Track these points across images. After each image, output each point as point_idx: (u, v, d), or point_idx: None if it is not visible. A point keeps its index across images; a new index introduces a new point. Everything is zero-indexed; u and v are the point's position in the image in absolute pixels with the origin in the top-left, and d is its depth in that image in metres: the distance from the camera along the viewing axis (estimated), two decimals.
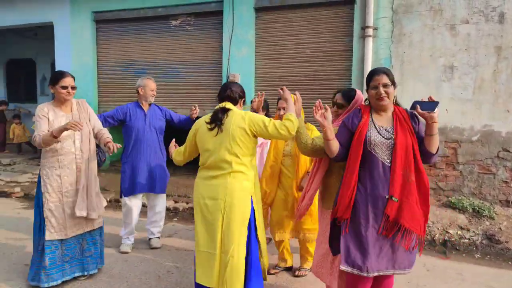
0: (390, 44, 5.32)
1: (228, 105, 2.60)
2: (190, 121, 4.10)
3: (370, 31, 5.31)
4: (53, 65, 8.50)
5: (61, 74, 3.17)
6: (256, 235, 2.57)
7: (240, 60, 6.14)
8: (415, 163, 2.20)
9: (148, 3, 6.69)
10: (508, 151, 4.96)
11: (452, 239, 4.34)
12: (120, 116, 4.03)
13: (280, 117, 3.35)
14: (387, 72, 2.28)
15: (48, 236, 3.11)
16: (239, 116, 2.51)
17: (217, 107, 2.62)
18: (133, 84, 6.74)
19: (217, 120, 2.51)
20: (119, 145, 3.25)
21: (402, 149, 2.19)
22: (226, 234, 2.46)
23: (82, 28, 7.26)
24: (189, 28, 6.60)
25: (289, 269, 3.60)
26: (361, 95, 2.74)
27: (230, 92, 2.62)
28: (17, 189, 6.69)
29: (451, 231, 4.45)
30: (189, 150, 2.77)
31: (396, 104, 2.38)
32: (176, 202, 5.81)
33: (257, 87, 6.18)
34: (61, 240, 3.19)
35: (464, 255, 4.18)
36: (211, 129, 2.53)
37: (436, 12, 5.12)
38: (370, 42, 5.33)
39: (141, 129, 4.00)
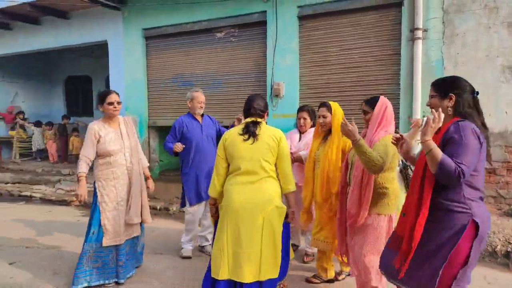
0: (442, 46, 5.09)
1: (257, 119, 2.85)
2: None
3: (419, 33, 5.12)
4: (107, 80, 9.03)
5: (107, 92, 3.47)
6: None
7: (284, 68, 6.16)
8: (421, 179, 2.11)
9: (193, 18, 6.93)
10: None
11: None
12: (178, 133, 4.16)
13: (320, 125, 3.44)
14: (433, 83, 2.25)
15: (105, 242, 3.34)
16: (271, 129, 2.83)
17: (246, 121, 2.85)
18: (181, 96, 7.03)
19: (251, 131, 2.76)
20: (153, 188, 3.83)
21: (418, 163, 2.17)
22: (268, 231, 2.67)
23: (133, 45, 7.66)
24: (233, 40, 6.74)
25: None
26: (384, 102, 2.83)
27: (254, 110, 2.85)
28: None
29: None
30: (224, 163, 2.86)
31: (460, 113, 2.16)
32: None
33: (302, 95, 6.16)
34: (116, 245, 3.42)
35: None
36: (246, 140, 2.75)
37: (491, 10, 4.83)
38: (419, 45, 5.13)
39: (200, 141, 4.13)
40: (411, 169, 3.52)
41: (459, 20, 4.99)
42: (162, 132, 8.05)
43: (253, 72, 6.60)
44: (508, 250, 4.06)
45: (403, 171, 3.54)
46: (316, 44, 6.02)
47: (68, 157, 10.07)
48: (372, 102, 2.89)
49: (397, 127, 5.29)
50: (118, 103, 3.46)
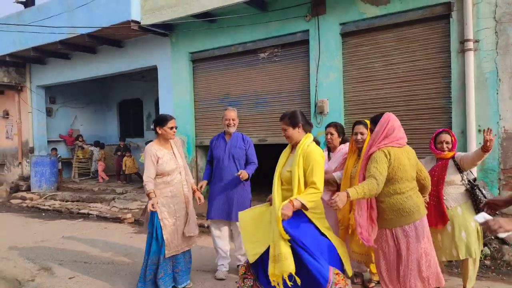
0: (496, 57, 4.84)
1: None
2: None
3: (470, 44, 4.91)
4: (156, 103, 9.46)
5: (168, 117, 3.74)
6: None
7: (328, 85, 6.15)
8: None
9: (237, 40, 7.15)
10: None
11: None
12: (210, 151, 4.39)
13: (356, 141, 3.49)
14: None
15: (167, 254, 3.62)
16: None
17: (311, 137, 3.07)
18: None
19: None
20: (202, 199, 3.93)
21: None
22: None
23: (181, 68, 8.01)
24: (276, 59, 6.85)
25: None
26: (388, 119, 2.84)
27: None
28: (129, 215, 7.44)
29: None
30: None
31: None
32: None
33: (346, 111, 6.10)
34: (172, 256, 3.70)
35: None
36: None
37: None
38: (471, 56, 4.92)
39: (221, 158, 4.22)
40: (480, 190, 3.34)
41: None
42: None
43: (297, 90, 6.64)
44: None
45: (472, 192, 3.39)
46: (360, 60, 5.96)
47: (120, 176, 10.62)
48: (374, 120, 2.99)
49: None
50: (176, 127, 3.79)
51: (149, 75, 10.39)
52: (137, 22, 7.54)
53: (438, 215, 3.38)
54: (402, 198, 2.76)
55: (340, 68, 6.08)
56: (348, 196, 2.56)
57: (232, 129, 4.26)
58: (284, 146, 3.18)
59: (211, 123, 7.77)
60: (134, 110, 12.92)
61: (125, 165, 10.29)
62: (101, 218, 7.64)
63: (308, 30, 6.34)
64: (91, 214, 7.89)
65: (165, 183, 3.68)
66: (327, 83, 6.16)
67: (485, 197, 3.34)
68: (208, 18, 7.12)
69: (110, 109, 13.46)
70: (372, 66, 5.85)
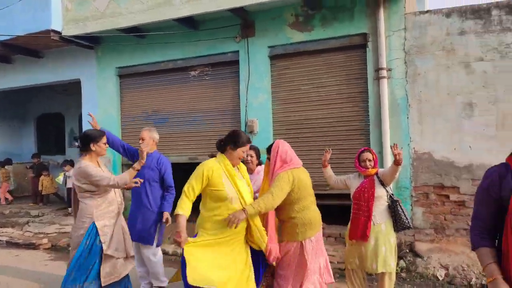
0: (405, 84, 5.34)
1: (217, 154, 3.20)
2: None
3: (384, 73, 5.38)
4: (80, 118, 8.91)
5: (101, 133, 3.56)
6: None
7: (258, 106, 6.28)
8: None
9: (168, 57, 7.04)
10: None
11: None
12: (130, 154, 4.34)
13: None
14: None
15: (104, 282, 3.25)
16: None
17: None
18: None
19: None
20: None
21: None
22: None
23: (107, 83, 7.65)
24: (207, 78, 6.86)
25: None
26: (275, 145, 3.30)
27: (217, 143, 3.23)
28: (45, 241, 6.82)
29: None
30: None
31: None
32: None
33: (275, 131, 6.26)
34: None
35: None
36: None
37: (449, 51, 5.15)
38: (385, 83, 5.38)
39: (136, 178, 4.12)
40: (401, 206, 3.60)
41: (420, 61, 5.28)
42: None
43: (227, 109, 6.69)
44: (482, 283, 4.14)
45: (393, 207, 3.62)
46: (288, 83, 6.19)
47: (36, 198, 9.71)
48: (268, 148, 3.42)
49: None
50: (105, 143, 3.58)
51: (73, 89, 9.74)
52: (58, 33, 7.09)
53: (363, 230, 3.58)
54: (309, 212, 3.19)
55: (269, 89, 6.26)
56: (245, 213, 2.83)
57: (144, 148, 4.15)
58: None
59: (139, 140, 7.47)
60: (55, 125, 12.00)
61: (42, 185, 9.44)
62: (12, 244, 6.90)
63: (238, 51, 6.46)
64: (0, 240, 7.10)
65: (107, 202, 3.37)
66: (257, 103, 6.29)
67: (403, 213, 3.61)
68: (137, 33, 6.94)
69: (25, 124, 12.32)
70: (299, 88, 6.11)
